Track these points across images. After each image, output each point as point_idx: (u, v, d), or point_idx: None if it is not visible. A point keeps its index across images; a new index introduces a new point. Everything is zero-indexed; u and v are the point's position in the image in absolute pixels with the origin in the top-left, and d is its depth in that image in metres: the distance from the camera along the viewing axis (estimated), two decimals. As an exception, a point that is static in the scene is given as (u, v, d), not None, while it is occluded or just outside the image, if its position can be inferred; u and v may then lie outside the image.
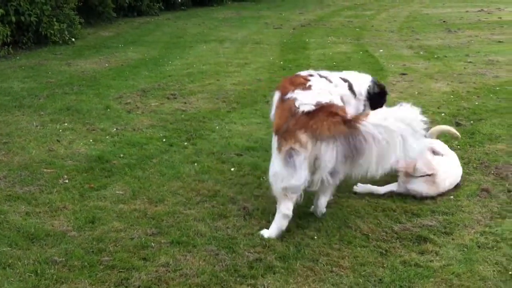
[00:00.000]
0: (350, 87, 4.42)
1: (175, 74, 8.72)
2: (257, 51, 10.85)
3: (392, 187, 4.45)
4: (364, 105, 4.51)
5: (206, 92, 7.54)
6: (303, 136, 3.58)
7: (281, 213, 3.77)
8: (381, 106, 4.42)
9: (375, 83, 4.65)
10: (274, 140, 3.83)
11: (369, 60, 10.08)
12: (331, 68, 9.19)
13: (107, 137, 5.74)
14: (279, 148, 3.70)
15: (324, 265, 3.43)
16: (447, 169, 4.45)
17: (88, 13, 13.80)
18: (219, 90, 7.64)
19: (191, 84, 8.02)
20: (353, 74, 4.69)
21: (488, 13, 19.75)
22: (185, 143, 5.56)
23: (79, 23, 12.23)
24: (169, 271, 3.36)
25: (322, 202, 4.04)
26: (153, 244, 3.65)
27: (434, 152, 4.48)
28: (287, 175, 3.63)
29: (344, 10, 20.05)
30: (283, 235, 3.77)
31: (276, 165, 3.73)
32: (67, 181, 4.64)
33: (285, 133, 3.68)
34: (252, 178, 4.73)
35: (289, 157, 3.62)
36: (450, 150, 4.74)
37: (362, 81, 4.59)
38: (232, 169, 4.90)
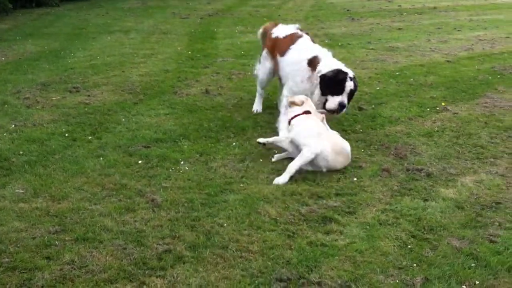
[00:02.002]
0: None
1: (77, 66, 8.38)
2: (164, 42, 10.67)
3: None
4: None
5: (111, 84, 7.32)
6: None
7: None
8: None
9: None
10: None
11: (276, 49, 10.21)
12: (239, 57, 9.27)
13: (4, 134, 5.43)
14: None
15: (233, 251, 3.45)
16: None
17: (-19, 4, 12.95)
18: (125, 82, 7.45)
19: (95, 76, 7.75)
20: None
21: (389, 1, 20.63)
22: (90, 137, 5.38)
23: (-29, 15, 11.46)
24: (74, 269, 3.24)
25: None
26: (56, 242, 3.51)
27: None
28: None
29: (252, 0, 20.16)
30: (193, 225, 3.76)
31: None
32: (-40, 182, 4.35)
33: None
34: (161, 169, 4.66)
35: None
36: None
37: None
38: (140, 162, 4.80)
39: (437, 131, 5.71)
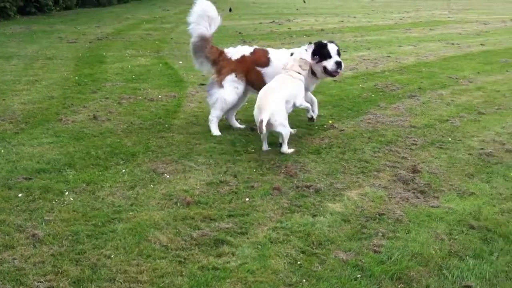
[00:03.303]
0: None
1: (-48, 96, 7.79)
2: (50, 67, 10.21)
3: None
4: None
5: (-10, 114, 6.86)
6: None
7: None
8: None
9: None
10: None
11: (168, 72, 10.16)
12: (130, 81, 9.10)
13: None
14: None
15: (121, 283, 3.31)
16: None
17: None
18: (5, 111, 7.00)
19: (-29, 106, 7.24)
20: None
21: (279, 24, 21.36)
22: (-37, 172, 4.98)
23: None
24: None
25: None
26: None
27: None
28: None
29: (143, 23, 19.96)
30: (78, 259, 3.57)
31: None
32: None
33: None
34: (43, 202, 4.40)
35: None
36: None
37: None
38: (20, 195, 4.51)
39: (325, 148, 5.91)
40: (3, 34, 14.98)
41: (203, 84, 9.00)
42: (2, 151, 5.51)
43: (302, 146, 5.96)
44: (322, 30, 19.46)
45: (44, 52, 12.02)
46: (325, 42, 6.38)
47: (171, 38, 15.69)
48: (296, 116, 7.05)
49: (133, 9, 27.24)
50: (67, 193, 4.56)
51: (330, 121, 6.92)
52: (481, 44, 16.24)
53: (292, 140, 6.12)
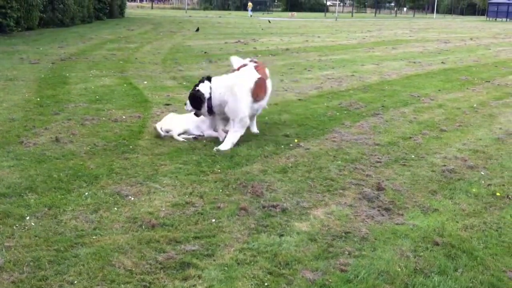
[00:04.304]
0: None
1: None
2: (10, 88, 9.99)
3: None
4: None
5: None
6: None
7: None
8: None
9: None
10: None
11: (133, 92, 10.08)
12: (93, 102, 8.98)
13: None
14: None
15: (84, 311, 3.22)
16: None
17: None
18: (-36, 133, 6.82)
19: None
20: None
21: (245, 44, 21.52)
22: None
23: None
24: None
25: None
26: None
27: None
28: None
29: (107, 43, 19.82)
30: (39, 286, 3.46)
31: None
32: None
33: None
34: (3, 227, 4.25)
35: None
36: None
37: None
38: (-21, 221, 4.37)
39: (291, 167, 5.93)
40: (-38, 55, 14.64)
41: (168, 104, 8.97)
42: (-40, 175, 5.34)
43: (269, 165, 5.96)
44: (287, 49, 19.70)
45: (5, 73, 11.77)
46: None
47: (136, 58, 15.62)
48: (262, 135, 7.08)
49: (97, 29, 27.06)
50: (28, 217, 4.43)
51: (296, 140, 6.95)
52: (442, 62, 16.70)
53: (258, 160, 6.13)
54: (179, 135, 6.94)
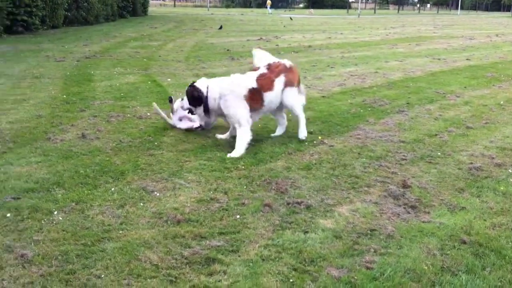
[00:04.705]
0: None
1: None
2: (37, 86, 10.16)
3: None
4: None
5: (-23, 133, 6.79)
6: None
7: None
8: None
9: None
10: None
11: (157, 90, 10.15)
12: (118, 99, 9.07)
13: None
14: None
15: (112, 304, 3.26)
16: None
17: None
18: (-7, 130, 6.95)
19: (-43, 126, 7.16)
20: None
21: (267, 41, 21.50)
22: (-50, 193, 4.90)
23: None
24: None
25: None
26: None
27: None
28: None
29: (131, 41, 19.99)
30: (67, 279, 3.51)
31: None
32: None
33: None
34: (32, 221, 4.33)
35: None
36: None
37: None
38: (8, 215, 4.44)
39: (315, 164, 5.91)
40: (-10, 53, 14.92)
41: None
42: (-10, 170, 5.45)
43: (292, 162, 5.95)
44: (309, 46, 19.63)
45: (32, 71, 11.97)
46: None
47: (159, 56, 15.72)
48: (286, 132, 7.07)
49: (120, 27, 27.32)
50: (56, 212, 4.50)
51: (320, 137, 6.93)
52: (467, 59, 16.46)
53: (282, 156, 6.13)
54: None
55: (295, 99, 6.83)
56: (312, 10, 72.29)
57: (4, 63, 13.12)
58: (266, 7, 67.65)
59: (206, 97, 6.37)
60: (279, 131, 7.11)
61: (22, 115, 7.82)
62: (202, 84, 6.46)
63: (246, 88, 6.37)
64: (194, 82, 6.59)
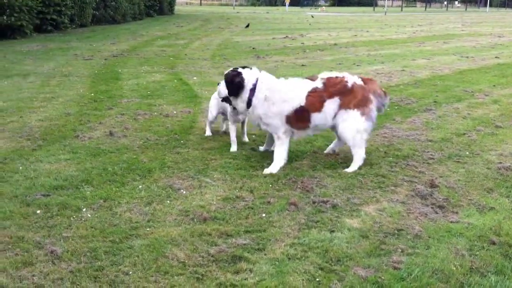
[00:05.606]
0: None
1: (-30, 113, 7.89)
2: (66, 84, 10.33)
3: None
4: None
5: (7, 131, 6.93)
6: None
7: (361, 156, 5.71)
8: None
9: None
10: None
11: (183, 88, 10.22)
12: (145, 97, 9.16)
13: None
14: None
15: (140, 300, 3.30)
16: None
17: None
18: (23, 128, 7.08)
19: (-11, 123, 7.32)
20: None
21: (292, 39, 21.45)
22: (-17, 189, 5.02)
23: None
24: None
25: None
26: None
27: None
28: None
29: (157, 40, 20.16)
30: (96, 276, 3.56)
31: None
32: None
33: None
34: (61, 218, 4.41)
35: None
36: None
37: None
38: (38, 211, 4.53)
39: (341, 162, 5.88)
40: (20, 52, 15.21)
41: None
42: (20, 168, 5.56)
43: (318, 161, 5.93)
44: (335, 44, 19.52)
45: (60, 69, 12.17)
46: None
47: (185, 54, 15.83)
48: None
49: (147, 26, 27.57)
50: (84, 209, 4.58)
51: (346, 136, 6.87)
52: (496, 57, 16.17)
53: (308, 155, 6.11)
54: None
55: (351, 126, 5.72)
56: (324, 7, 72.48)
57: (34, 62, 13.38)
58: (285, 5, 67.83)
59: (253, 89, 5.64)
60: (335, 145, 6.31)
61: (51, 113, 7.96)
62: (250, 73, 5.70)
63: (297, 103, 5.62)
64: (242, 67, 5.83)
